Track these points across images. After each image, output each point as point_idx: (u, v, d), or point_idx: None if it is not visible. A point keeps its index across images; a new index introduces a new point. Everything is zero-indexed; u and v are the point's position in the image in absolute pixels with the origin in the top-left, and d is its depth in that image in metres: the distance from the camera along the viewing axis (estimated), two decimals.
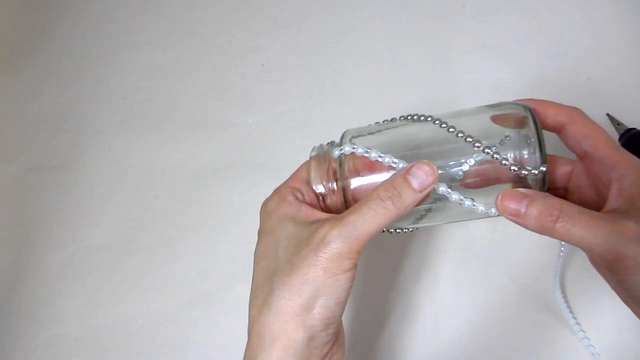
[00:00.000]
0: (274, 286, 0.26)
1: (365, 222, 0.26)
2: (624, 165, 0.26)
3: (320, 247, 0.25)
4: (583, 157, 0.29)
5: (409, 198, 0.26)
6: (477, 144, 0.28)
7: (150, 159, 0.55)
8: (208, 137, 0.55)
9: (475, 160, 0.29)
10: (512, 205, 0.26)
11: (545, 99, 0.46)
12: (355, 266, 0.26)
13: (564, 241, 0.26)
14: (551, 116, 0.29)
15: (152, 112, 0.57)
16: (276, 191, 0.31)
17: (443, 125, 0.29)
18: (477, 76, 0.53)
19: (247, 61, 0.58)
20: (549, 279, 0.41)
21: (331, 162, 0.31)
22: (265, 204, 0.31)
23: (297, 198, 0.30)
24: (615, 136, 0.46)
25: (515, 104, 0.31)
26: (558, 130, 0.30)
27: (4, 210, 0.55)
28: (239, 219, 0.51)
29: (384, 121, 0.33)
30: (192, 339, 0.47)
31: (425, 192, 0.27)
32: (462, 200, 0.28)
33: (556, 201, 0.25)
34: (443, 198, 0.29)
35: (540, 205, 0.25)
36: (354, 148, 0.29)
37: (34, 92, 0.61)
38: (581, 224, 0.24)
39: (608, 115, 0.47)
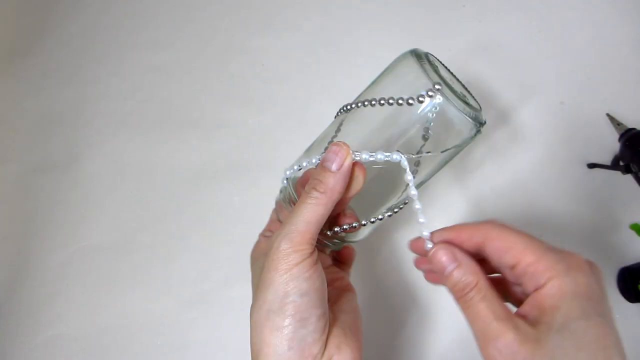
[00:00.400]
0: (252, 309, 0.28)
1: (299, 215, 0.28)
2: (546, 274, 0.24)
3: (271, 253, 0.27)
4: (511, 269, 0.26)
5: (330, 180, 0.28)
6: (382, 102, 0.29)
7: (150, 159, 0.55)
8: (208, 137, 0.55)
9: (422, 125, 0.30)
10: (444, 259, 0.26)
11: (537, 100, 0.46)
12: (307, 256, 0.27)
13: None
14: (466, 241, 0.27)
15: (152, 112, 0.57)
16: (255, 243, 0.35)
17: (353, 106, 0.31)
18: (476, 76, 0.53)
19: (247, 61, 0.58)
20: None
21: (290, 194, 0.33)
22: (250, 256, 0.34)
23: (266, 237, 0.33)
24: (615, 136, 0.46)
25: (402, 54, 0.33)
26: (480, 253, 0.28)
27: (4, 210, 0.55)
28: (239, 219, 0.51)
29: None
30: (192, 339, 0.47)
31: (345, 168, 0.28)
32: (388, 156, 0.29)
33: (472, 280, 0.25)
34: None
35: (460, 276, 0.25)
36: (292, 170, 0.32)
37: (34, 92, 0.61)
38: (471, 313, 0.25)
39: (608, 115, 0.47)
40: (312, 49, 0.58)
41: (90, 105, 0.59)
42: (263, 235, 0.34)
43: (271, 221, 0.35)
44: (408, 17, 0.58)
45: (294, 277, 0.26)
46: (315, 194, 0.28)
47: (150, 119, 0.57)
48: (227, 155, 0.54)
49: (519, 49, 0.54)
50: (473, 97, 0.32)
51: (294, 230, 0.27)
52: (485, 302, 0.25)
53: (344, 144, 0.28)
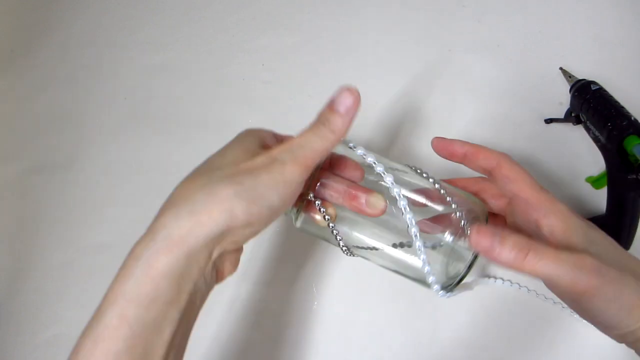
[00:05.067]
0: (215, 174, 0.27)
1: (308, 141, 0.28)
2: (547, 205, 0.29)
3: (269, 158, 0.27)
4: (511, 198, 0.32)
5: (339, 122, 0.28)
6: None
7: (150, 159, 0.55)
8: (208, 137, 0.54)
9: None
10: (485, 241, 0.27)
11: (544, 98, 0.46)
12: (299, 182, 0.27)
13: (532, 275, 0.27)
14: (481, 160, 0.33)
15: (152, 112, 0.57)
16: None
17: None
18: (477, 76, 0.53)
19: (247, 61, 0.58)
20: None
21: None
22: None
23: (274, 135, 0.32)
24: (567, 87, 0.47)
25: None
26: (488, 173, 0.33)
27: (4, 210, 0.55)
28: None
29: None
30: (191, 339, 0.47)
31: (351, 115, 0.28)
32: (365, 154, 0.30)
33: (524, 238, 0.27)
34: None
35: (511, 241, 0.26)
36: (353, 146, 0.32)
37: (34, 92, 0.61)
38: (548, 259, 0.26)
39: (561, 69, 0.50)
40: (312, 49, 0.58)
41: (90, 105, 0.59)
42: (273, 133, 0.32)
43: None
44: (408, 17, 0.58)
45: (274, 191, 0.26)
46: (324, 130, 0.28)
47: (150, 119, 0.57)
48: None
49: (519, 49, 0.54)
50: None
51: (302, 153, 0.27)
52: (549, 247, 0.26)
53: (356, 89, 0.29)
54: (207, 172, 0.28)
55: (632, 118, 0.38)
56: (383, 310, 0.45)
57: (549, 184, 0.48)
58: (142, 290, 0.24)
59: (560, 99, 0.51)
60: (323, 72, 0.56)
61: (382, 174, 0.30)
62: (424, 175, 0.32)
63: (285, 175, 0.26)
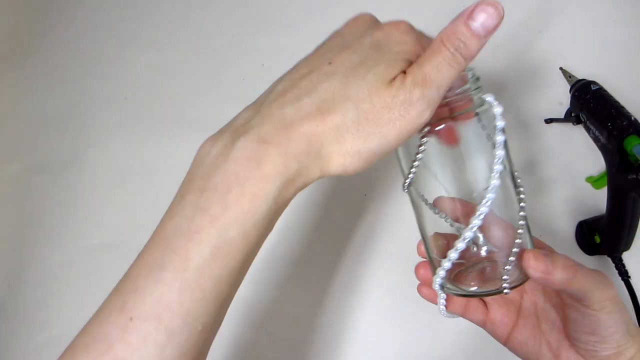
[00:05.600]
0: (350, 114, 0.24)
1: (442, 76, 0.24)
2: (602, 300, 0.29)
3: (404, 102, 0.24)
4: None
5: (474, 47, 0.24)
6: None
7: (150, 159, 0.55)
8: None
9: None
10: (542, 265, 0.28)
11: (544, 98, 0.45)
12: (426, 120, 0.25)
13: (574, 290, 0.28)
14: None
15: (152, 112, 0.57)
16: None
17: None
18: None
19: (247, 61, 0.58)
20: None
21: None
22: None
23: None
24: (567, 87, 0.47)
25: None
26: None
27: (4, 210, 0.55)
28: None
29: None
30: None
31: (489, 36, 0.24)
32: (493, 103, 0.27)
33: (568, 258, 0.28)
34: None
35: (560, 263, 0.28)
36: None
37: (34, 92, 0.61)
38: (588, 276, 0.28)
39: (561, 69, 0.50)
40: (312, 49, 0.58)
41: (91, 105, 0.59)
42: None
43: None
44: (408, 17, 0.58)
45: (396, 144, 0.24)
46: (458, 57, 0.24)
47: (150, 119, 0.57)
48: None
49: (519, 49, 0.54)
50: None
51: (436, 97, 0.24)
52: (586, 276, 0.28)
53: (501, 8, 0.23)
54: (344, 103, 0.25)
55: (632, 118, 0.38)
56: (384, 310, 0.45)
57: (549, 184, 0.48)
58: (270, 215, 0.24)
59: (560, 99, 0.51)
60: None
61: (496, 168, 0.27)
62: (522, 214, 0.30)
63: (414, 127, 0.24)
